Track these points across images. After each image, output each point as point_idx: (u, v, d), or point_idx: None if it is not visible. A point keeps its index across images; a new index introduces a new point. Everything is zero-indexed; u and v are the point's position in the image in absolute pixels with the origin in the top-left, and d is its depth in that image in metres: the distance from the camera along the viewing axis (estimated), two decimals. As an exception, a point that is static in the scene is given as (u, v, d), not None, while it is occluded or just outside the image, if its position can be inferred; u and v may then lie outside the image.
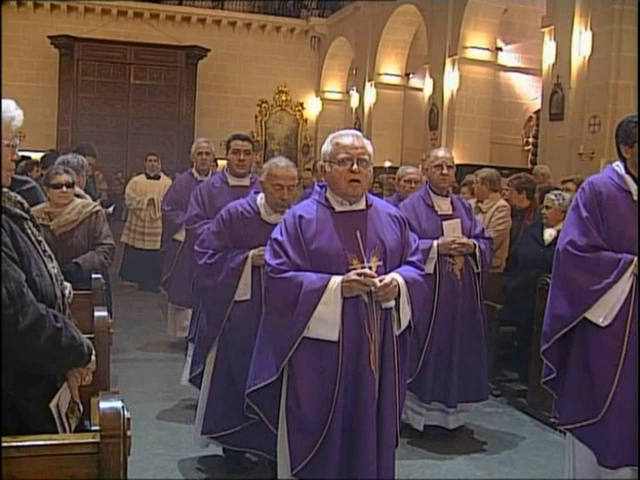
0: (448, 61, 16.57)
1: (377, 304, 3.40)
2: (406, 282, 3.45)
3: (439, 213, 5.31)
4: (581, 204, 3.76)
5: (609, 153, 11.78)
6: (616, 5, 11.68)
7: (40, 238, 2.65)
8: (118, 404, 2.26)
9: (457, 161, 16.00)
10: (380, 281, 3.34)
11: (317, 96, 25.07)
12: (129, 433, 2.28)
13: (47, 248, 2.67)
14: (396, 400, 3.51)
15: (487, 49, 16.52)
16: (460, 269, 5.24)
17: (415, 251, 3.68)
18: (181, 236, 6.95)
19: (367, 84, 20.85)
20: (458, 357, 5.20)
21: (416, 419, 5.41)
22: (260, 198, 4.42)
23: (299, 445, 3.39)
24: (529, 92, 17.91)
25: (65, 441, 2.26)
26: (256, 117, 24.32)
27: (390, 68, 20.58)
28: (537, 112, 16.09)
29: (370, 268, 3.38)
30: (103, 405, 2.25)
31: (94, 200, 6.12)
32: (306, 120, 25.08)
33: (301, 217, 3.46)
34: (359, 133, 3.58)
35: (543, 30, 13.34)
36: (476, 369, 5.31)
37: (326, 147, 3.55)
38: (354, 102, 22.05)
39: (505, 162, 15.14)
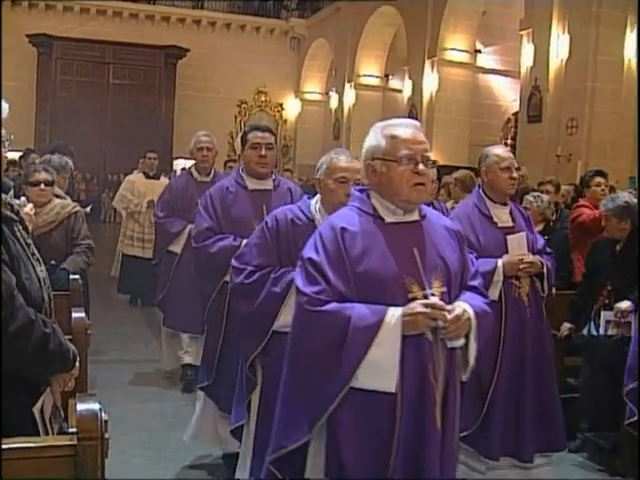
0: (427, 63, 16.65)
1: (442, 343, 2.67)
2: (476, 314, 2.72)
3: (499, 225, 4.43)
4: None
5: (586, 155, 11.90)
6: (593, 9, 11.80)
7: (29, 241, 2.62)
8: (95, 406, 2.24)
9: (436, 162, 16.17)
10: (449, 313, 2.61)
11: (296, 97, 25.11)
12: (107, 435, 2.26)
13: (35, 251, 2.64)
14: (455, 463, 2.87)
15: (466, 51, 16.63)
16: (527, 293, 4.38)
17: (476, 274, 2.98)
18: (177, 247, 6.07)
19: (346, 85, 20.91)
20: (530, 398, 4.34)
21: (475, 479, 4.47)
22: (315, 202, 3.58)
23: None
24: (507, 94, 18.04)
25: (42, 444, 2.24)
26: (235, 117, 24.32)
27: (369, 69, 20.65)
28: (515, 114, 16.22)
29: (433, 296, 2.64)
30: (80, 407, 2.24)
31: (74, 201, 6.03)
32: (285, 121, 25.11)
33: (344, 230, 2.68)
34: (417, 122, 2.83)
35: (521, 33, 13.44)
36: (550, 412, 4.41)
37: (376, 141, 2.76)
38: (333, 103, 22.11)
39: (484, 164, 15.23)
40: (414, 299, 2.61)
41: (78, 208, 5.53)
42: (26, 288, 2.43)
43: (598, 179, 6.73)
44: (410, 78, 17.54)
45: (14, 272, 2.38)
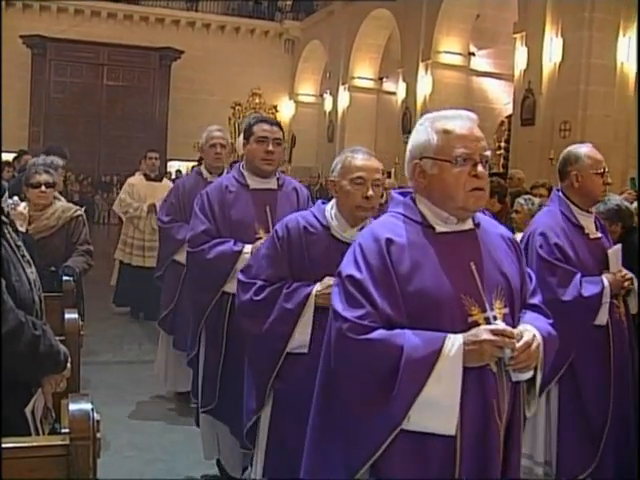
0: (421, 65, 16.71)
1: (507, 376, 2.26)
2: (543, 340, 2.29)
3: (591, 237, 3.90)
4: None
5: (579, 158, 11.92)
6: (586, 13, 11.86)
7: (19, 243, 2.63)
8: (88, 406, 2.25)
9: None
10: (517, 339, 2.18)
11: (291, 99, 25.14)
12: (99, 435, 2.27)
13: (26, 253, 2.65)
14: None
15: (460, 54, 16.70)
16: (624, 313, 3.88)
17: (535, 290, 2.52)
18: (183, 257, 4.98)
19: (341, 87, 20.95)
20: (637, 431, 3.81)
21: None
22: (330, 207, 3.22)
23: None
24: (501, 97, 18.08)
25: (34, 444, 2.24)
26: (229, 119, 24.20)
27: (364, 72, 20.69)
28: (509, 117, 16.24)
29: (495, 319, 2.23)
30: (72, 407, 2.24)
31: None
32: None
33: (390, 241, 2.24)
34: (473, 114, 2.40)
35: (515, 36, 13.50)
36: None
37: (426, 135, 2.32)
38: (328, 105, 22.14)
39: (477, 166, 15.29)
40: (475, 323, 2.20)
41: (80, 212, 5.36)
42: (16, 290, 2.44)
43: None
44: (404, 80, 17.59)
45: (3, 274, 2.39)
